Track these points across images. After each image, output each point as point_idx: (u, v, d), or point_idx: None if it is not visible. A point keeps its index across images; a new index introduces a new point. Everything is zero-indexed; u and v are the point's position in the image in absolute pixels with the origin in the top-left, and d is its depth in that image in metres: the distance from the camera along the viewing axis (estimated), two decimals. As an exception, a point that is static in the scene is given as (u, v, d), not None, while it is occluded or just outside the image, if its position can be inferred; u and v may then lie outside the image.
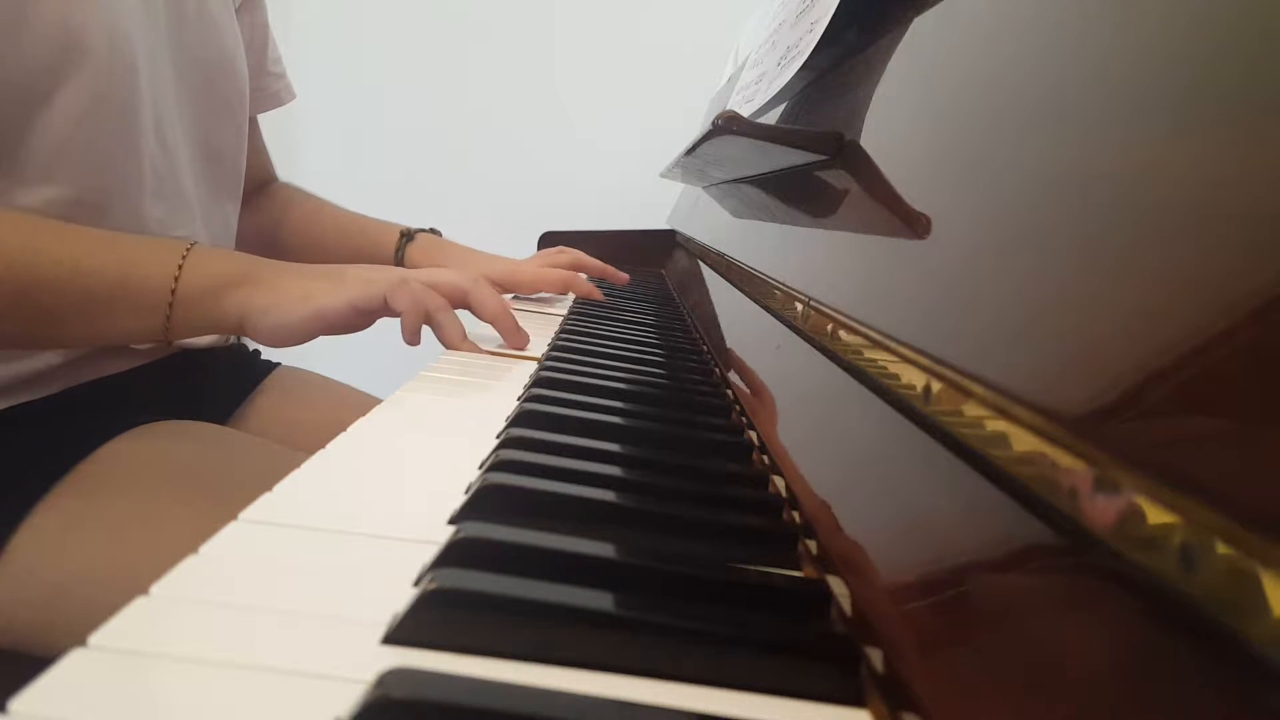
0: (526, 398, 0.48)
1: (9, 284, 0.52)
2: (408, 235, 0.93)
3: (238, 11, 0.81)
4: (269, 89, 0.90)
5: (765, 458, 0.43)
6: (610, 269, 1.02)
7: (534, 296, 0.96)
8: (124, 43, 0.61)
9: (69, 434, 0.61)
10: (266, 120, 0.94)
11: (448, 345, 0.62)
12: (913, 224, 0.35)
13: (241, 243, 0.86)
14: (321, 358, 1.81)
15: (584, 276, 0.96)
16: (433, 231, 0.95)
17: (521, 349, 0.67)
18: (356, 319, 0.59)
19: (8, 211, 0.54)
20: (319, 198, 0.99)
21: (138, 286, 0.56)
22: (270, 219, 0.94)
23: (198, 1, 0.72)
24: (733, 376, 0.57)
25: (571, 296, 0.99)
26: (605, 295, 0.97)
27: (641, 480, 0.37)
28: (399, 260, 0.92)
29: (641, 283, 1.21)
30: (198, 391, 0.78)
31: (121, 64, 0.61)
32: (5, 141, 0.58)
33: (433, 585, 0.25)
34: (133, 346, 0.70)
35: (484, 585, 0.26)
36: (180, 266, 0.56)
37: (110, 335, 0.58)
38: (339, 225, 0.95)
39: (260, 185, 0.94)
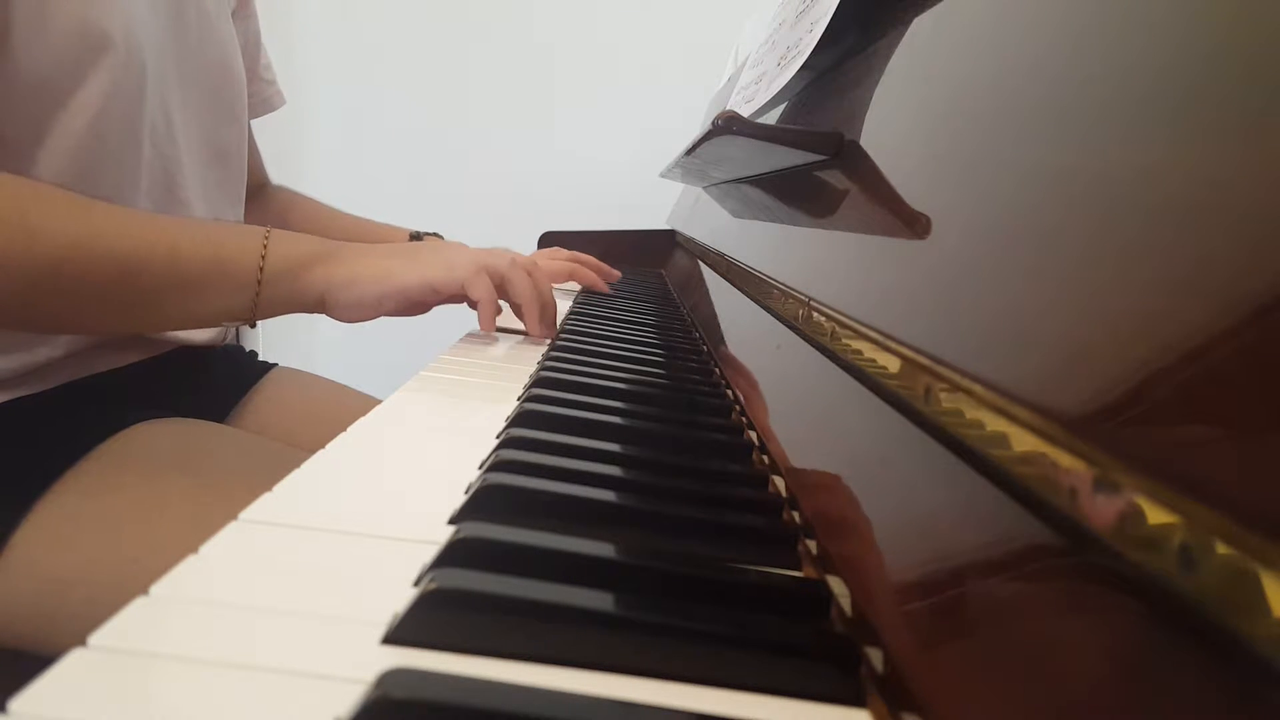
0: (526, 398, 0.48)
1: (112, 266, 0.53)
2: (416, 238, 0.96)
3: (232, 16, 0.81)
4: (261, 94, 0.92)
5: (765, 458, 0.43)
6: (605, 266, 1.04)
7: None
8: (137, 43, 0.62)
9: (70, 430, 0.61)
10: (267, 121, 0.94)
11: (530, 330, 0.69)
12: (913, 224, 0.35)
13: None
14: (322, 358, 1.81)
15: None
16: (435, 236, 0.97)
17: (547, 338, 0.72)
18: (430, 298, 0.63)
19: (99, 200, 0.55)
20: (315, 200, 1.01)
21: (229, 267, 0.58)
22: (271, 222, 0.95)
23: (197, 5, 0.72)
24: (733, 376, 0.57)
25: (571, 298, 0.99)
26: (605, 295, 0.98)
27: (641, 480, 0.37)
28: None
29: (641, 283, 1.21)
30: (196, 389, 0.78)
31: (135, 63, 0.62)
32: (26, 141, 0.58)
33: (433, 585, 0.25)
34: (144, 338, 0.71)
35: (484, 585, 0.25)
36: (265, 246, 0.59)
37: (202, 315, 0.59)
38: (343, 228, 0.97)
39: (256, 188, 0.96)
